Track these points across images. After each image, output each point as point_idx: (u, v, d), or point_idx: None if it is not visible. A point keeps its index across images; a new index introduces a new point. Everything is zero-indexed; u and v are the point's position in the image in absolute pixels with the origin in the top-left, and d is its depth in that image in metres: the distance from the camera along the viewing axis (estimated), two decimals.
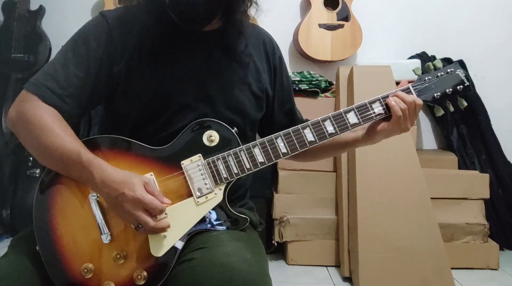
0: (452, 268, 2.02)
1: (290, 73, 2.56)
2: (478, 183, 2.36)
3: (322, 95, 2.47)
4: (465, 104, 1.07)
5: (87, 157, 0.91)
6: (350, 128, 1.02)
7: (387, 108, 1.03)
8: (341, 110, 1.02)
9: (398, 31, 2.89)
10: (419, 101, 1.03)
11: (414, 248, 2.00)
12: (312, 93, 2.43)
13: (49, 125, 0.92)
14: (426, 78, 1.06)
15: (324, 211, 2.33)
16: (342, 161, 2.27)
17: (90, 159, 0.91)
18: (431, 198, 2.10)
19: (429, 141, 2.91)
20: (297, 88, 2.40)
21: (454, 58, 2.63)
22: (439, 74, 1.06)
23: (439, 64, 1.07)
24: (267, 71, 1.15)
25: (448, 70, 1.06)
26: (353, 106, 1.03)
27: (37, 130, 0.92)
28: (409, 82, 1.07)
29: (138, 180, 0.90)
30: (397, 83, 1.10)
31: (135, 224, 0.89)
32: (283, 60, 1.20)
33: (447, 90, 1.05)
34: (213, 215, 0.97)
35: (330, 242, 2.30)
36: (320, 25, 2.67)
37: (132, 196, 0.87)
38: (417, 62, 2.60)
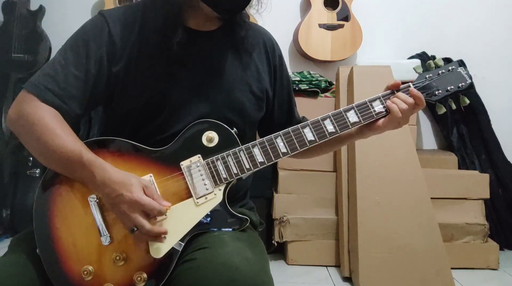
0: (452, 268, 2.02)
1: (290, 73, 2.55)
2: (478, 183, 2.35)
3: (322, 95, 2.47)
4: (468, 101, 1.07)
5: (88, 157, 0.91)
6: (350, 127, 1.01)
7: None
8: (341, 109, 1.02)
9: (398, 31, 2.89)
10: (419, 94, 1.01)
11: (414, 248, 2.00)
12: (312, 93, 2.43)
13: (50, 125, 0.92)
14: (427, 76, 1.06)
15: (324, 211, 2.33)
16: (342, 161, 2.27)
17: (91, 159, 0.91)
18: (431, 198, 2.10)
19: (429, 141, 2.90)
20: (297, 88, 2.40)
21: (454, 58, 2.62)
22: (440, 72, 1.05)
23: (440, 62, 1.07)
24: (267, 71, 1.14)
25: (450, 68, 1.06)
26: (353, 104, 1.02)
27: (38, 130, 0.91)
28: (407, 82, 1.07)
29: (137, 182, 0.90)
30: None
31: (130, 226, 0.88)
32: (283, 59, 1.20)
33: (448, 88, 1.05)
34: (213, 216, 0.96)
35: (330, 242, 2.30)
36: (320, 25, 2.67)
37: (129, 197, 0.87)
38: (417, 62, 2.60)
